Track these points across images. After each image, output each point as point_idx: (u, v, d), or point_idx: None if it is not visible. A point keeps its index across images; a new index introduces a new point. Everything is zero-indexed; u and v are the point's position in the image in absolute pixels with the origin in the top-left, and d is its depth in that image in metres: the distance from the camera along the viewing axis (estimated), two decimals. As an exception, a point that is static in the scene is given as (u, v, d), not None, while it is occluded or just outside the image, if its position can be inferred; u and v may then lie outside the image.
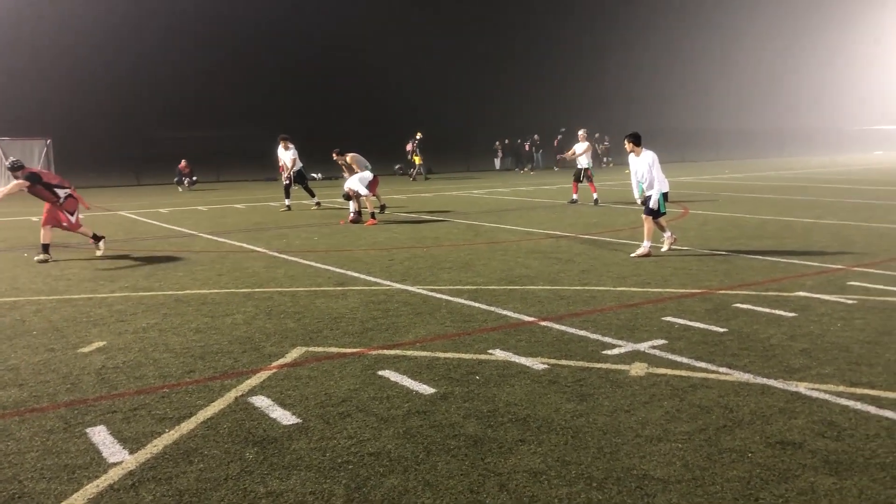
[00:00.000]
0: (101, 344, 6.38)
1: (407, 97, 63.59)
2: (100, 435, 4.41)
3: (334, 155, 17.44)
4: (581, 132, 19.59)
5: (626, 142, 10.80)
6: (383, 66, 65.31)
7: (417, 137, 33.14)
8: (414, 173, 33.36)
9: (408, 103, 61.46)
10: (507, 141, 41.92)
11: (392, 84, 65.01)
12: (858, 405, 4.68)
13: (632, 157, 10.75)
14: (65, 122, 42.09)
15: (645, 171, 10.50)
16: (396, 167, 37.01)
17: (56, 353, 6.15)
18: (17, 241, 13.60)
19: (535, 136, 40.64)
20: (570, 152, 19.66)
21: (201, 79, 57.42)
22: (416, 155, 33.06)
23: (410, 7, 67.52)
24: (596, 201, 18.51)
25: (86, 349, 6.24)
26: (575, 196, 19.24)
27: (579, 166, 19.08)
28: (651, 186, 10.49)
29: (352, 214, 15.48)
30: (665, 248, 10.78)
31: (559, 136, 40.33)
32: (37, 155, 29.04)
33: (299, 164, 18.71)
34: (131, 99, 53.75)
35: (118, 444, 4.28)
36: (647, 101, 72.12)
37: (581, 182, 19.04)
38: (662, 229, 10.84)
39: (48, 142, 30.26)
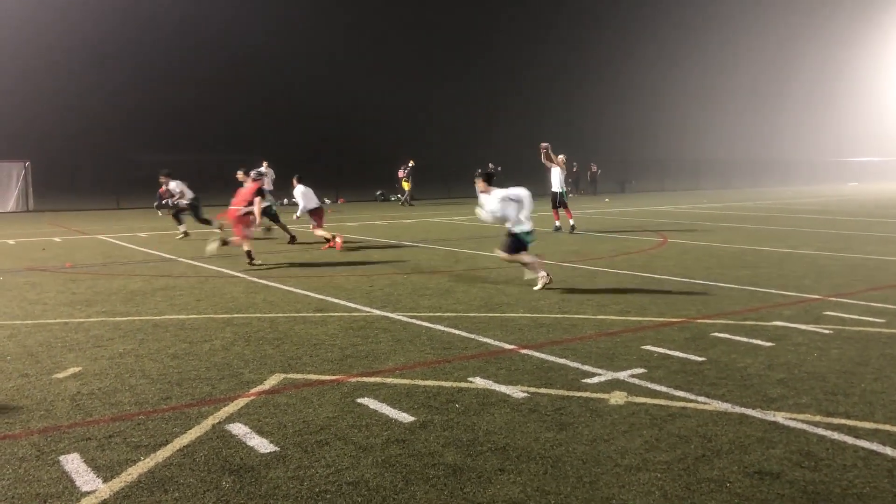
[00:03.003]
0: (76, 370, 6.30)
1: (389, 124, 63.88)
2: (73, 463, 4.34)
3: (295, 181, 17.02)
4: (560, 157, 19.17)
5: (476, 181, 10.33)
6: (367, 93, 65.66)
7: (410, 165, 33.53)
8: (403, 199, 33.63)
9: (390, 130, 61.73)
10: (490, 166, 42.29)
11: (375, 111, 65.33)
12: (835, 435, 4.72)
13: (483, 197, 10.24)
14: (44, 145, 41.83)
15: (497, 209, 10.03)
16: (378, 193, 37.12)
17: (30, 378, 6.06)
18: (-8, 264, 13.41)
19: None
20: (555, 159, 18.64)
21: (183, 102, 57.38)
22: (406, 181, 33.36)
23: (395, 37, 68.07)
24: (572, 228, 18.45)
25: (61, 375, 6.15)
26: (557, 223, 19.19)
27: (552, 189, 18.88)
28: (512, 222, 10.02)
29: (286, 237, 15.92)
30: (539, 286, 10.08)
31: (576, 168, 42.76)
32: (15, 177, 28.77)
33: (190, 194, 18.05)
34: (112, 122, 53.58)
35: (92, 472, 4.22)
36: (626, 131, 72.99)
37: (558, 208, 18.96)
38: (526, 265, 10.38)
39: (27, 164, 30.00)
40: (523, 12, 74.97)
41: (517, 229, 10.06)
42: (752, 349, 6.85)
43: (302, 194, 15.37)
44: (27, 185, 29.72)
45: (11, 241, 17.00)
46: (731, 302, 9.20)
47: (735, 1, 79.99)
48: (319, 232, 15.47)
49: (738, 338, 7.26)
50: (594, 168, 43.36)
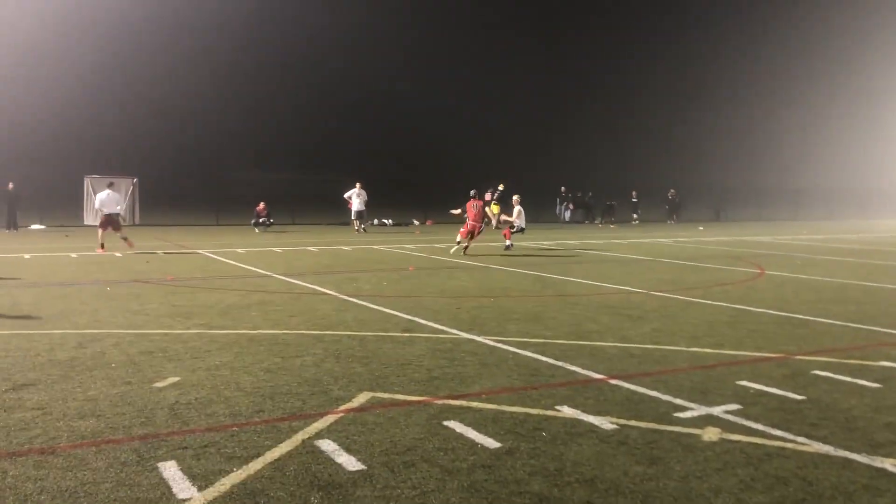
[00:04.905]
0: (175, 379, 6.55)
1: (480, 147, 64.32)
2: (170, 470, 4.51)
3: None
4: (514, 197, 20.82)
5: None
6: (460, 117, 66.46)
7: (499, 188, 33.81)
8: (494, 222, 33.87)
9: (481, 153, 62.12)
10: (579, 194, 41.88)
11: (467, 134, 65.96)
12: (950, 486, 4.41)
13: None
14: (151, 164, 44.05)
15: None
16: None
17: (133, 386, 6.34)
18: (101, 275, 14.15)
19: (563, 189, 41.48)
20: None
21: (282, 125, 59.51)
22: (496, 204, 33.64)
23: (488, 62, 68.72)
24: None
25: (161, 384, 6.41)
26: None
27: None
28: None
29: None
30: None
31: (672, 191, 42.87)
32: (124, 193, 30.37)
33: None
34: (214, 143, 56.03)
35: (188, 480, 4.36)
36: (722, 157, 71.08)
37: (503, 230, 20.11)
38: None
39: (134, 181, 31.67)
40: (629, 37, 74.32)
41: None
42: (856, 389, 6.50)
43: (100, 199, 18.48)
44: (135, 201, 31.35)
45: (118, 254, 17.89)
46: (834, 339, 8.77)
47: (842, 23, 77.04)
48: (101, 232, 18.48)
49: (840, 377, 6.91)
50: (672, 194, 42.55)
